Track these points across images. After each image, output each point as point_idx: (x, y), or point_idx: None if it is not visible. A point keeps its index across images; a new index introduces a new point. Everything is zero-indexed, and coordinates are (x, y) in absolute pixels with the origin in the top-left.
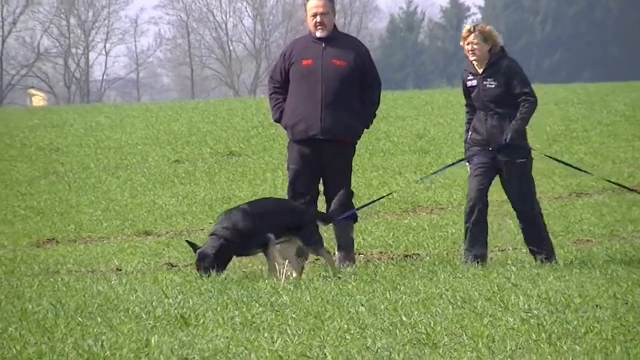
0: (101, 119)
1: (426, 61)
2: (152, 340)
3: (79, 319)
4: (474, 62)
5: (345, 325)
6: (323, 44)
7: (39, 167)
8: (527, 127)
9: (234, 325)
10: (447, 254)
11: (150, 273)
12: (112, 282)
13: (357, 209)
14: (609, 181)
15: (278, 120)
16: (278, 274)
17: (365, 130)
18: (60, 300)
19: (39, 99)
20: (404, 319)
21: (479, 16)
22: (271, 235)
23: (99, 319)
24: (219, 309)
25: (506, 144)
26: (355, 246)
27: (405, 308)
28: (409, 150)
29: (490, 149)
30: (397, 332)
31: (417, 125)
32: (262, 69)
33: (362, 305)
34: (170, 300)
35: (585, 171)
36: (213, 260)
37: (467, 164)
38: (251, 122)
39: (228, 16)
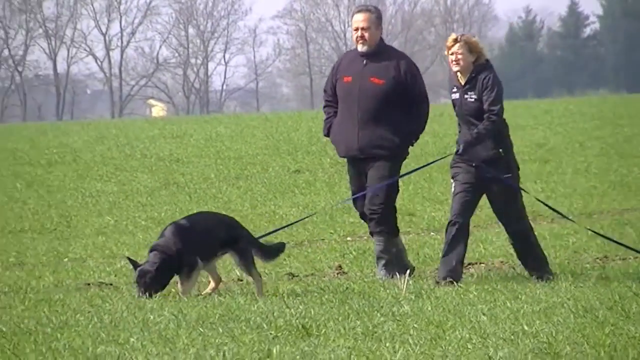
0: (221, 129)
1: (545, 70)
2: (274, 351)
3: (201, 329)
4: (457, 73)
5: (467, 335)
6: (365, 61)
7: (160, 178)
8: (511, 143)
9: (355, 335)
10: (568, 262)
11: (271, 283)
12: (234, 292)
13: (270, 233)
14: (595, 232)
15: (327, 135)
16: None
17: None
18: (182, 311)
19: (158, 110)
20: (526, 328)
21: (597, 25)
22: (199, 260)
23: (221, 330)
24: (340, 319)
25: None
26: (477, 255)
27: (527, 317)
28: (529, 160)
29: (474, 165)
30: (519, 341)
31: (537, 134)
32: None
33: (484, 314)
34: (292, 310)
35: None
36: (154, 277)
37: (452, 181)
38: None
39: (347, 26)
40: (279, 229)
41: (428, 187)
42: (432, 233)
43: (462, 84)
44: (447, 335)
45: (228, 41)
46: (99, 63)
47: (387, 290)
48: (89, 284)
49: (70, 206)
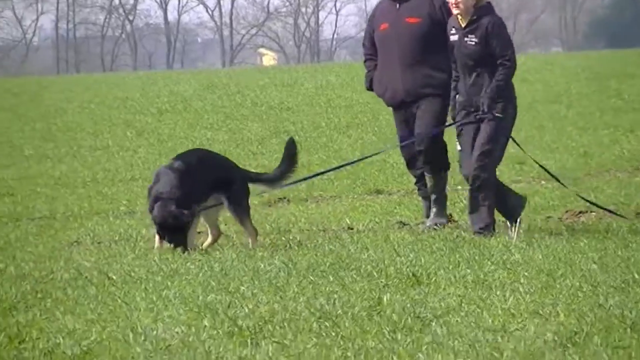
0: (332, 77)
1: None
2: (384, 299)
3: (311, 277)
4: (457, 16)
5: (577, 283)
6: (397, 5)
7: (270, 127)
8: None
9: (465, 283)
10: None
11: (381, 231)
12: (344, 241)
13: (301, 180)
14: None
15: (369, 88)
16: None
17: None
18: (292, 259)
19: (269, 58)
20: (636, 276)
21: None
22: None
23: (331, 278)
24: (450, 267)
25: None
26: (587, 203)
27: (638, 265)
28: (639, 108)
29: (472, 109)
30: (630, 289)
31: None
32: None
33: (594, 262)
34: (402, 258)
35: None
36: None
37: (457, 140)
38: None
39: None
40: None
41: (539, 136)
42: (542, 182)
43: (463, 26)
44: (558, 283)
45: None
46: (210, 12)
47: (498, 239)
48: (199, 232)
49: None
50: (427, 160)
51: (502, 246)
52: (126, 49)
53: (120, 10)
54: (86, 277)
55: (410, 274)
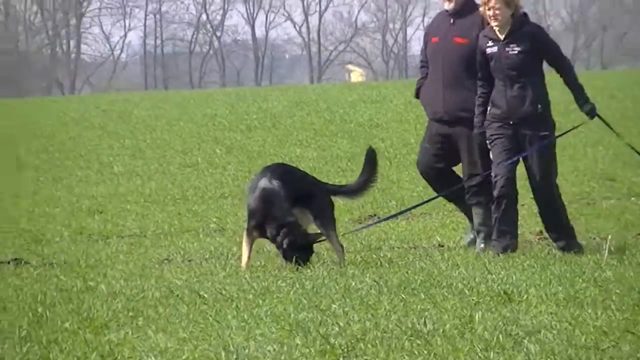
0: None
1: None
2: (476, 317)
3: (402, 295)
4: (495, 28)
5: None
6: (452, 20)
7: (359, 143)
8: (549, 100)
9: (557, 300)
10: None
11: (472, 249)
12: (435, 258)
13: (409, 209)
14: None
15: (417, 96)
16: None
17: None
18: (383, 277)
19: (357, 75)
20: None
21: None
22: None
23: (422, 295)
24: (542, 284)
25: (533, 116)
26: None
27: None
28: None
29: (511, 122)
30: None
31: None
32: (579, 43)
33: None
34: (493, 276)
35: None
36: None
37: (489, 145)
38: (569, 95)
39: None
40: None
41: (629, 152)
42: (632, 198)
43: (502, 37)
44: None
45: (427, 5)
46: (298, 28)
47: (589, 256)
48: (258, 251)
49: None
50: (475, 194)
51: (593, 263)
52: (214, 66)
53: (208, 27)
54: (177, 295)
55: (502, 292)
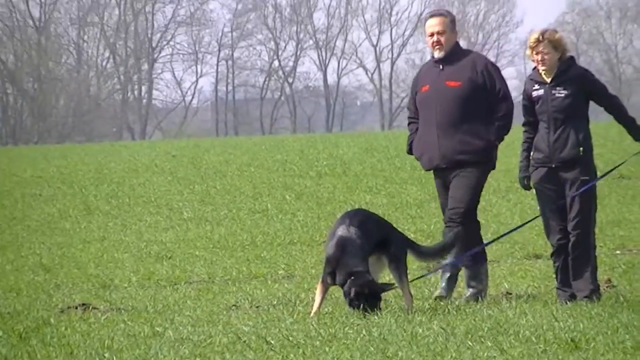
0: None
1: None
2: None
3: (469, 343)
4: (542, 71)
5: None
6: (440, 66)
7: (429, 190)
8: (592, 144)
9: (624, 349)
10: None
11: (540, 297)
12: (503, 306)
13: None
14: None
15: (409, 152)
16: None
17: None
18: (451, 324)
19: None
20: None
21: None
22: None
23: (489, 343)
24: (609, 332)
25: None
26: None
27: None
28: None
29: (553, 165)
30: None
31: None
32: None
33: None
34: (561, 323)
35: None
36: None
37: (535, 193)
38: None
39: (618, 38)
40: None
41: None
42: None
43: (548, 80)
44: None
45: (499, 53)
46: (369, 75)
47: None
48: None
49: None
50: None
51: None
52: (285, 112)
53: (280, 73)
54: (244, 341)
55: (569, 339)
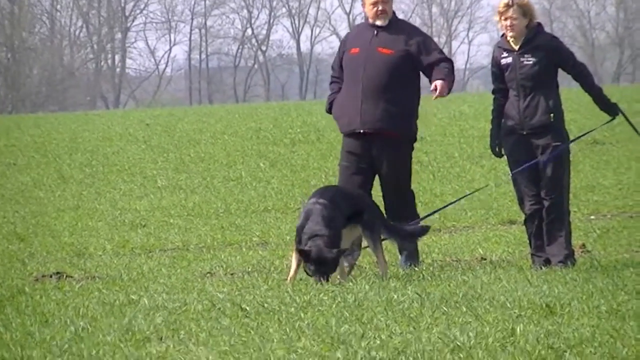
0: (464, 108)
1: None
2: (518, 330)
3: (444, 308)
4: (510, 38)
5: None
6: (375, 31)
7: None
8: (562, 110)
9: (599, 313)
10: None
11: (514, 262)
12: (477, 272)
13: (426, 217)
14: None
15: (328, 111)
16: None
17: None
18: (426, 290)
19: None
20: None
21: None
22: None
23: (464, 309)
24: (584, 297)
25: (546, 125)
26: None
27: None
28: None
29: (524, 132)
30: None
31: None
32: (625, 57)
33: None
34: (535, 289)
35: None
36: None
37: (506, 159)
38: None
39: (591, 4)
40: (442, 207)
41: None
42: None
43: (516, 47)
44: None
45: (472, 20)
46: None
47: (631, 269)
48: None
49: (314, 185)
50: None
51: (635, 276)
52: (259, 80)
53: (253, 41)
54: (219, 308)
55: (544, 305)
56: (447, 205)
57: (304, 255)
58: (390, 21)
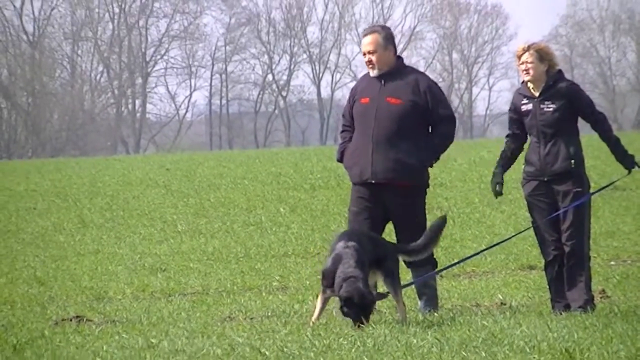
0: (484, 153)
1: None
2: None
3: (463, 353)
4: (529, 83)
5: None
6: (382, 81)
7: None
8: (583, 156)
9: (618, 359)
10: None
11: (534, 307)
12: (497, 316)
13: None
14: None
15: (340, 160)
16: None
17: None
18: (445, 334)
19: None
20: None
21: None
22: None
23: (484, 354)
24: (603, 342)
25: (568, 171)
26: None
27: None
28: None
29: (545, 179)
30: None
31: None
32: None
33: None
34: (555, 334)
35: None
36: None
37: (527, 205)
38: (635, 156)
39: (612, 51)
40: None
41: None
42: None
43: (536, 94)
44: None
45: (492, 66)
46: None
47: None
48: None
49: (334, 230)
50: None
51: None
52: (279, 125)
53: (274, 86)
54: (239, 352)
55: (563, 349)
56: (473, 255)
57: (344, 299)
58: (394, 68)
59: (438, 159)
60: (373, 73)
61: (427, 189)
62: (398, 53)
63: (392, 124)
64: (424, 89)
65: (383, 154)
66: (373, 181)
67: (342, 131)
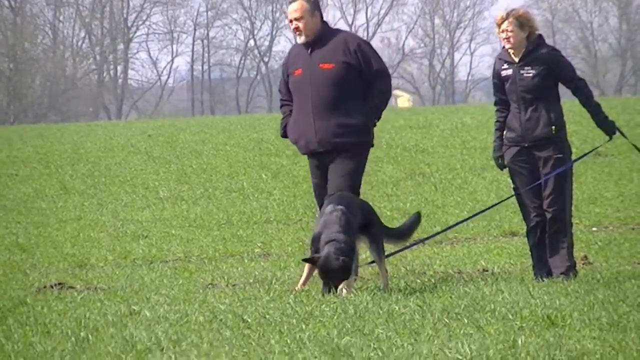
0: (467, 119)
1: None
2: (519, 341)
3: (446, 320)
4: (509, 50)
5: None
6: (309, 49)
7: (405, 169)
8: (564, 122)
9: (600, 325)
10: None
11: (516, 274)
12: (479, 283)
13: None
14: None
15: (284, 136)
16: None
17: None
18: (427, 302)
19: (404, 100)
20: None
21: None
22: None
23: (466, 320)
24: (585, 309)
25: (544, 138)
26: None
27: None
28: None
29: (526, 145)
30: None
31: None
32: (627, 69)
33: None
34: (537, 300)
35: None
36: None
37: (509, 175)
38: (616, 121)
39: (594, 16)
40: (476, 214)
41: None
42: None
43: (516, 59)
44: None
45: (474, 31)
46: None
47: (633, 281)
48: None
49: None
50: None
51: (637, 288)
52: (261, 91)
53: (256, 52)
54: (221, 319)
55: (545, 316)
56: (457, 224)
57: (318, 263)
58: (320, 34)
59: (380, 117)
60: (300, 40)
61: (369, 150)
62: (379, 18)
63: (328, 90)
64: (354, 48)
65: (325, 120)
66: (321, 149)
67: (282, 106)
